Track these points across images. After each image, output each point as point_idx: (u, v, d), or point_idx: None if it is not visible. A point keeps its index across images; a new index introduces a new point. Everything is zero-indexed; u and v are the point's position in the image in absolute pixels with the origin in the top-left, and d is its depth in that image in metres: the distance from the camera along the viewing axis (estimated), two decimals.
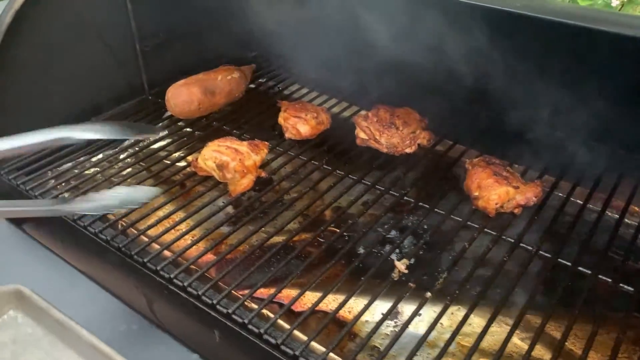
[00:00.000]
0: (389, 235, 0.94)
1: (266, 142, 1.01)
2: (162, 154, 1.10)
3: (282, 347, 0.70)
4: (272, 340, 0.71)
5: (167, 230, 0.89)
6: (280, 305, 0.79)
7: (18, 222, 1.00)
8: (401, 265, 0.82)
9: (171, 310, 0.83)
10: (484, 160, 0.93)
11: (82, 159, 1.09)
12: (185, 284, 0.78)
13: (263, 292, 0.80)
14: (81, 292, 0.88)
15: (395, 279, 0.81)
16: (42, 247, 0.95)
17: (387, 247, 0.89)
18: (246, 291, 0.77)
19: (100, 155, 1.09)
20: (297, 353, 0.69)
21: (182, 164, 1.06)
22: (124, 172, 1.04)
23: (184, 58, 1.30)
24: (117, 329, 0.82)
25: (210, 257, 0.88)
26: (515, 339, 0.79)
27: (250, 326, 0.72)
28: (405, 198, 0.95)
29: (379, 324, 0.74)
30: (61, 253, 0.93)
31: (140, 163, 1.07)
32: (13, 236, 0.98)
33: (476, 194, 0.89)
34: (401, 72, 1.06)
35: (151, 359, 0.72)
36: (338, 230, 0.90)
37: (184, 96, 1.12)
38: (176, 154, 1.09)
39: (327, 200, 0.96)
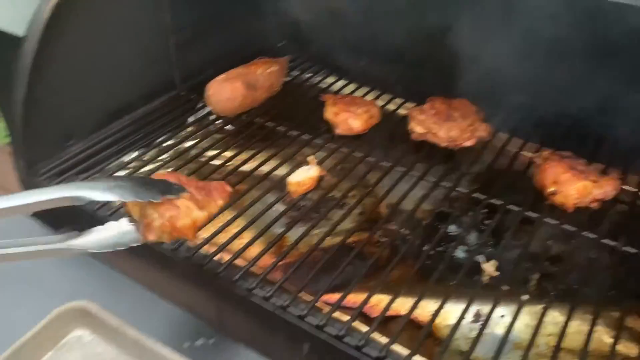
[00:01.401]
0: (458, 233, 0.90)
1: (228, 188, 0.73)
2: (209, 154, 1.04)
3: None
4: (373, 353, 0.67)
5: (231, 240, 0.84)
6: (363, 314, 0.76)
7: None
8: (490, 268, 0.79)
9: (248, 322, 0.79)
10: (556, 154, 0.91)
11: (125, 159, 1.03)
12: (267, 294, 0.74)
13: (331, 298, 0.77)
14: (149, 307, 0.83)
15: (486, 281, 0.78)
16: (101, 263, 0.90)
17: (458, 247, 0.87)
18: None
19: (146, 157, 1.04)
20: None
21: (230, 165, 1.01)
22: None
23: (214, 52, 1.24)
24: (194, 344, 0.77)
25: (275, 261, 0.83)
26: (607, 338, 0.77)
27: (346, 339, 0.69)
28: (474, 195, 0.92)
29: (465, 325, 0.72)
30: (123, 266, 0.88)
31: (188, 166, 1.01)
32: None
33: (552, 189, 0.87)
34: (454, 62, 1.03)
35: None
36: (407, 232, 0.87)
37: (227, 93, 1.06)
38: (223, 156, 1.04)
39: (388, 199, 0.92)
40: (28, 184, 0.98)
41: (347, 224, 0.91)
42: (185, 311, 0.82)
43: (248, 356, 0.76)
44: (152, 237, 0.66)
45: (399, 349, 0.70)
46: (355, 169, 0.99)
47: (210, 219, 0.71)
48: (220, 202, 0.71)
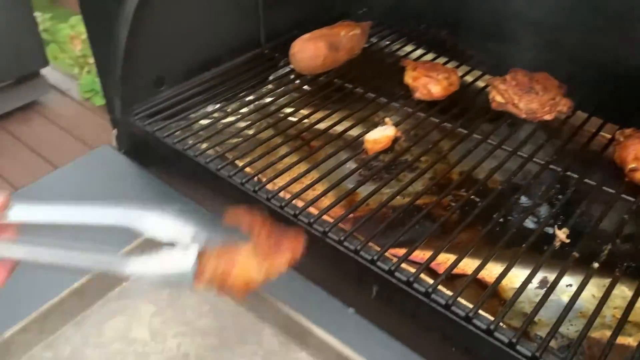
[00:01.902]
0: (529, 204, 0.91)
1: (301, 241, 0.64)
2: (286, 110, 1.09)
3: (453, 308, 0.69)
4: (441, 300, 0.70)
5: (305, 189, 0.88)
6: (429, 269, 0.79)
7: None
8: (562, 235, 0.79)
9: (320, 263, 0.82)
10: (639, 131, 0.90)
11: (209, 109, 1.09)
12: (341, 237, 0.78)
13: (399, 252, 0.79)
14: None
15: (557, 247, 0.79)
16: (180, 195, 0.97)
17: (528, 217, 0.88)
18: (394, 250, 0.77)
19: (229, 109, 1.09)
20: (470, 314, 0.68)
21: (306, 122, 1.05)
22: (251, 128, 1.03)
23: (299, 13, 1.28)
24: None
25: (346, 212, 0.87)
26: None
27: (415, 284, 0.72)
28: (550, 167, 0.92)
29: (531, 290, 0.73)
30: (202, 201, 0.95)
31: (267, 120, 1.06)
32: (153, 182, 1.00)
33: (633, 165, 0.86)
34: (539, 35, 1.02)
35: (307, 307, 0.72)
36: (476, 198, 0.88)
37: (310, 51, 1.10)
38: (300, 113, 1.08)
39: (461, 165, 0.94)
40: (122, 123, 1.06)
41: (418, 187, 0.93)
42: None
43: (318, 293, 0.81)
44: (200, 286, 0.61)
45: (465, 303, 0.72)
46: (430, 134, 1.00)
47: (267, 278, 0.61)
48: (283, 264, 0.61)
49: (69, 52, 3.21)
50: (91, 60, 3.03)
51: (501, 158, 0.94)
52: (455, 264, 0.76)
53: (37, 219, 0.59)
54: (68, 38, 3.21)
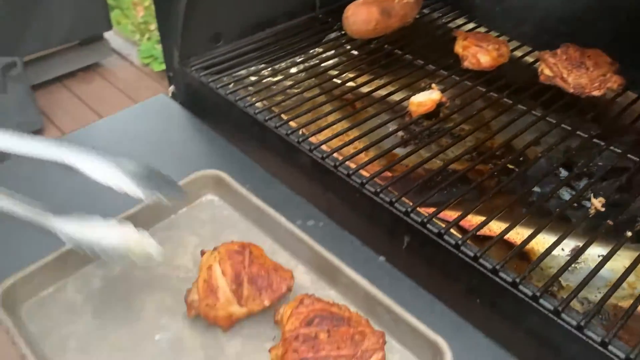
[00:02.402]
0: (568, 175, 0.91)
1: (289, 282, 0.72)
2: (333, 72, 1.12)
3: (481, 261, 0.71)
4: (470, 253, 0.72)
5: (346, 144, 0.91)
6: (461, 228, 0.81)
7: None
8: (597, 203, 0.80)
9: (355, 213, 0.86)
10: None
11: (261, 67, 1.13)
12: (378, 189, 0.81)
13: (431, 210, 0.81)
14: (269, 187, 0.93)
15: (591, 215, 0.80)
16: (232, 145, 1.02)
17: (566, 187, 0.89)
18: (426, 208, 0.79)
19: (279, 69, 1.13)
20: (497, 267, 0.70)
21: (351, 85, 1.08)
22: (299, 87, 1.07)
23: None
24: (306, 223, 0.86)
25: (386, 175, 0.90)
26: None
27: (446, 236, 0.74)
28: (594, 140, 0.92)
29: (562, 257, 0.74)
30: (249, 150, 1.00)
31: (314, 80, 1.09)
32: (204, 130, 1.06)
33: None
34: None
35: (340, 253, 0.75)
36: (514, 168, 0.89)
37: (362, 15, 1.12)
38: (346, 75, 1.10)
39: (502, 134, 0.95)
40: (179, 74, 1.11)
41: (456, 151, 0.94)
42: (301, 196, 0.91)
43: (352, 242, 0.84)
44: (191, 316, 0.72)
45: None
46: (474, 103, 1.02)
47: (250, 315, 0.71)
48: (266, 303, 0.70)
49: (131, 18, 3.33)
50: (152, 27, 3.14)
51: (543, 130, 0.94)
52: (487, 221, 0.78)
53: None
54: (131, 4, 3.32)
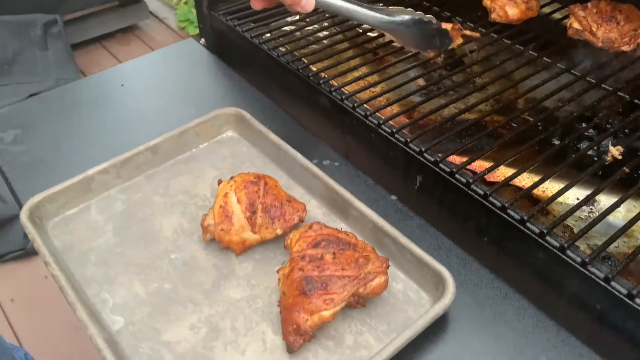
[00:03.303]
0: (591, 131, 0.90)
1: (302, 214, 0.75)
2: (364, 25, 1.12)
3: (490, 198, 0.72)
4: (480, 191, 0.73)
5: (363, 89, 0.92)
6: (473, 172, 0.81)
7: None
8: (615, 151, 0.79)
9: (371, 153, 0.87)
10: None
11: (288, 18, 1.14)
12: (394, 130, 0.82)
13: (456, 159, 0.82)
14: (288, 128, 0.95)
15: (608, 162, 0.79)
16: (255, 88, 1.04)
17: (586, 143, 0.88)
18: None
19: (307, 20, 1.14)
20: (506, 205, 0.70)
21: (374, 34, 1.08)
22: (327, 38, 1.07)
23: None
24: (322, 163, 0.88)
25: (402, 120, 0.90)
26: None
27: (457, 175, 0.75)
28: (619, 94, 0.90)
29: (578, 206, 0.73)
30: (269, 92, 1.01)
31: (336, 27, 1.10)
32: (228, 74, 1.08)
33: None
34: None
35: (353, 191, 0.77)
36: (532, 119, 0.88)
37: None
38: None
39: (527, 86, 0.94)
40: (207, 17, 1.14)
41: (482, 107, 0.94)
42: (319, 138, 0.93)
43: (365, 181, 0.85)
44: (206, 239, 0.75)
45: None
46: (498, 54, 1.01)
47: (262, 242, 0.75)
48: (278, 231, 0.74)
49: None
50: None
51: (567, 82, 0.93)
52: (498, 164, 0.78)
53: None
54: None
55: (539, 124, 0.90)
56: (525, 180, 0.85)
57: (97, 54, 2.96)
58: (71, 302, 0.66)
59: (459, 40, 1.01)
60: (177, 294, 0.70)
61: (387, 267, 0.66)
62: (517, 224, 0.69)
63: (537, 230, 0.68)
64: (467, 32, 1.03)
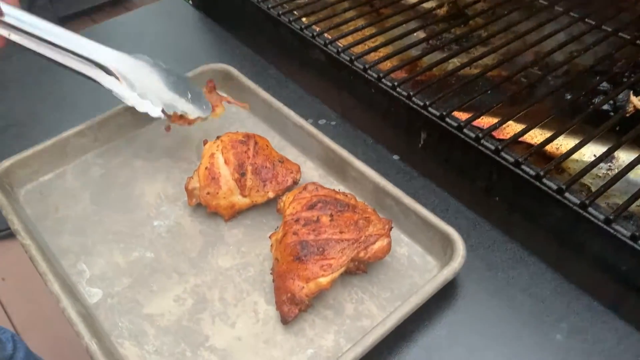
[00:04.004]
0: (606, 84, 0.83)
1: (296, 176, 0.68)
2: None
3: (502, 153, 0.65)
4: (491, 146, 0.66)
5: (360, 41, 0.85)
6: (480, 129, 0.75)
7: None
8: (637, 101, 0.73)
9: (370, 111, 0.80)
10: None
11: None
12: (396, 83, 0.75)
13: (462, 116, 0.75)
14: (281, 86, 0.88)
15: (629, 113, 0.73)
16: (240, 43, 0.96)
17: (601, 97, 0.81)
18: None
19: None
20: (520, 160, 0.64)
21: None
22: None
23: None
24: (317, 122, 0.81)
25: (402, 75, 0.83)
26: None
27: (465, 130, 0.69)
28: (637, 42, 0.83)
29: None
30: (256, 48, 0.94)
31: None
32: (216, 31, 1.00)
33: None
34: None
35: (352, 151, 0.70)
36: (541, 73, 0.82)
37: None
38: None
39: (536, 37, 0.86)
40: None
41: (487, 60, 0.87)
42: (313, 96, 0.86)
43: (365, 141, 0.79)
44: (192, 204, 0.68)
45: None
46: (505, 4, 0.93)
47: (253, 206, 0.68)
48: (270, 195, 0.67)
49: None
50: None
51: (581, 32, 0.86)
52: (506, 119, 0.71)
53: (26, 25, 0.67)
54: None
55: (549, 78, 0.83)
56: (537, 136, 0.79)
57: (86, 27, 2.86)
58: (42, 272, 0.59)
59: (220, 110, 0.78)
60: (161, 264, 0.64)
61: (390, 229, 0.60)
62: (532, 181, 0.63)
63: (554, 187, 0.61)
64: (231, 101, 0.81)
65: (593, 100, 0.83)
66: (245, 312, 0.60)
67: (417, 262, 0.63)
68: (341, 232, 0.58)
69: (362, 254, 0.59)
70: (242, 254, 0.65)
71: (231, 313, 0.59)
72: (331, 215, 0.60)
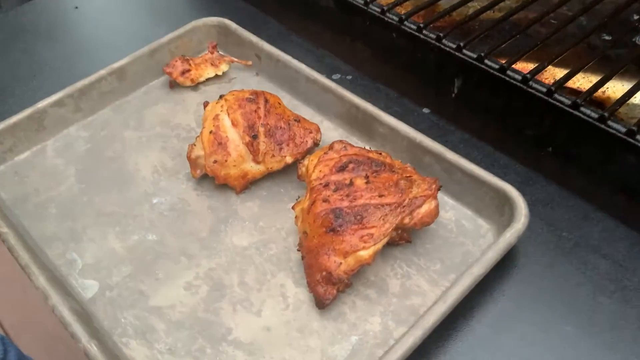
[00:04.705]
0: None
1: (317, 136, 0.59)
2: None
3: (556, 95, 0.56)
4: (542, 88, 0.57)
5: None
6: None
7: None
8: None
9: (392, 63, 0.71)
10: None
11: None
12: (421, 25, 0.65)
13: None
14: (283, 40, 0.78)
15: None
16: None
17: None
18: None
19: None
20: (579, 101, 0.55)
21: None
22: None
23: None
24: (330, 78, 0.71)
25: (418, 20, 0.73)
26: None
27: (509, 72, 0.59)
28: None
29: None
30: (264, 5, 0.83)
31: None
32: None
33: None
34: None
35: (375, 105, 0.61)
36: (571, 14, 0.72)
37: None
38: None
39: None
40: None
41: (512, 3, 0.77)
42: (322, 49, 0.76)
43: (387, 95, 0.69)
44: (196, 175, 0.59)
45: None
46: None
47: (269, 174, 0.58)
48: (288, 160, 0.58)
49: None
50: None
51: None
52: (543, 66, 0.62)
53: None
54: None
55: (582, 18, 0.74)
56: (580, 81, 0.69)
57: None
58: (24, 265, 0.50)
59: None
60: (165, 247, 0.54)
61: (439, 188, 0.51)
62: (596, 123, 0.53)
63: (623, 129, 0.52)
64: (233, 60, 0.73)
65: (633, 40, 0.74)
66: (271, 296, 0.50)
67: (466, 227, 0.54)
68: (380, 196, 0.49)
69: (406, 220, 0.49)
70: (260, 230, 0.55)
71: (255, 299, 0.50)
72: (366, 177, 0.50)
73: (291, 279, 0.51)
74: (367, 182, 0.50)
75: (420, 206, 0.49)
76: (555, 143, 0.58)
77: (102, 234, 0.56)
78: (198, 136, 0.58)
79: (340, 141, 0.54)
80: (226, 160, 0.56)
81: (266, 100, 0.59)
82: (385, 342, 0.46)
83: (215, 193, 0.59)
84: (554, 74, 0.70)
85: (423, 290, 0.50)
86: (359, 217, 0.48)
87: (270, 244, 0.54)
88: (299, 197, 0.57)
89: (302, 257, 0.51)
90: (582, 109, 0.55)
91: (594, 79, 0.65)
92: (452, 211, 0.55)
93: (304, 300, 0.50)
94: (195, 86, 0.71)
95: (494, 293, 0.50)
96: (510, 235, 0.49)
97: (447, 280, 0.50)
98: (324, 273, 0.48)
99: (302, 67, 0.66)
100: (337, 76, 0.72)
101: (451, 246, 0.53)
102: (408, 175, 0.51)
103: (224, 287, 0.51)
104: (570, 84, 0.68)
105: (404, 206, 0.49)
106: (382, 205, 0.48)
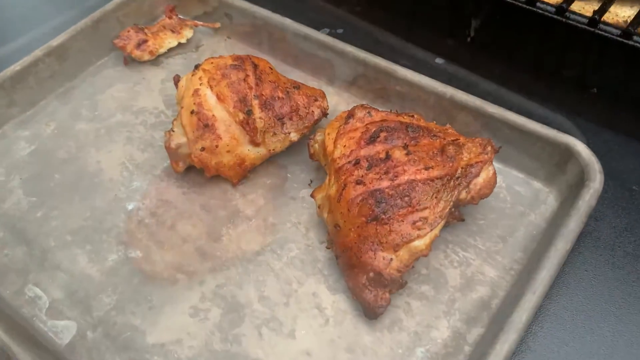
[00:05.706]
0: None
1: (324, 104, 0.48)
2: None
3: (601, 25, 0.47)
4: (582, 19, 0.48)
5: None
6: None
7: None
8: None
9: (393, 7, 0.60)
10: None
11: None
12: None
13: None
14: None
15: None
16: None
17: None
18: None
19: None
20: (632, 29, 0.46)
21: None
22: None
23: None
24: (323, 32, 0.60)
25: None
26: None
27: (539, 3, 0.50)
28: None
29: None
30: None
31: None
32: None
33: None
34: None
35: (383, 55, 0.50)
36: None
37: None
38: None
39: None
40: None
41: None
42: (302, 2, 0.64)
43: (392, 48, 0.59)
44: (179, 169, 0.47)
45: None
46: None
47: (271, 155, 0.47)
48: (293, 137, 0.46)
49: None
50: None
51: None
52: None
53: None
54: None
55: None
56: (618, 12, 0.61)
57: None
58: None
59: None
60: (154, 264, 0.43)
61: (496, 150, 0.41)
62: None
63: None
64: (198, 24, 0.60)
65: None
66: (303, 310, 0.40)
67: (522, 193, 0.45)
68: (427, 169, 0.39)
69: (463, 195, 0.40)
70: (272, 228, 0.44)
71: (283, 317, 0.39)
72: (405, 147, 0.40)
73: (324, 285, 0.41)
74: (407, 153, 0.39)
75: (477, 175, 0.40)
76: (601, 82, 0.50)
77: (69, 258, 0.43)
78: (175, 119, 0.46)
79: (362, 106, 0.43)
80: (217, 146, 0.45)
81: (255, 66, 0.47)
82: (460, 349, 0.37)
83: (206, 188, 0.47)
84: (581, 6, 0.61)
85: (489, 278, 0.40)
86: (406, 198, 0.38)
87: (288, 243, 0.43)
88: (311, 182, 0.47)
89: (337, 257, 0.40)
90: (635, 37, 0.46)
91: (631, 11, 0.56)
92: (500, 176, 0.46)
93: (346, 309, 0.40)
94: (156, 59, 0.58)
95: (575, 266, 0.41)
96: (590, 197, 0.40)
97: (516, 261, 0.41)
98: (371, 274, 0.38)
99: (287, 22, 0.54)
100: (325, 31, 0.60)
101: (509, 219, 0.44)
102: (453, 138, 0.41)
103: (240, 306, 0.40)
104: (608, 17, 0.59)
105: (457, 177, 0.39)
106: (432, 180, 0.38)
